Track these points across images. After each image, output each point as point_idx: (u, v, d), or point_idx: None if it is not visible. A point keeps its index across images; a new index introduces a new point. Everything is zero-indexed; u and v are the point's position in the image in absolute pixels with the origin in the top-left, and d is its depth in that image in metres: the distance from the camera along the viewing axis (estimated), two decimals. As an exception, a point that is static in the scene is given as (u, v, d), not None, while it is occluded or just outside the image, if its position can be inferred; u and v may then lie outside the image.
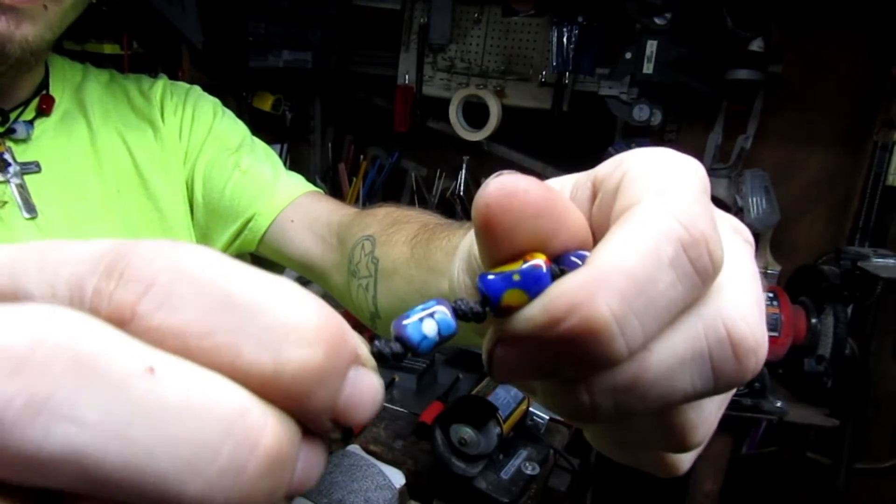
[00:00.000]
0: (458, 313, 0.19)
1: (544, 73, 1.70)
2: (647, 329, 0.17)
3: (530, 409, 1.16)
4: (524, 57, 1.75)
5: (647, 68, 1.47)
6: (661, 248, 0.18)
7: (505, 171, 0.20)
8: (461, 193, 1.84)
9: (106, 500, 0.12)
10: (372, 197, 2.01)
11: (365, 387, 0.15)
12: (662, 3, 1.43)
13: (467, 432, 0.98)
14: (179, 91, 0.68)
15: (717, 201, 1.55)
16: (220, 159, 0.66)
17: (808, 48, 1.51)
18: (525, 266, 0.19)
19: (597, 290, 0.17)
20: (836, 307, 1.31)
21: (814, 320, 1.33)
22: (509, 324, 0.19)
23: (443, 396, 1.22)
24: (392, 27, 1.88)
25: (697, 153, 1.57)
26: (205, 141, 0.67)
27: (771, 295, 1.33)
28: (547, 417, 1.21)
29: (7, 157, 0.56)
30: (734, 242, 0.21)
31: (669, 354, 0.18)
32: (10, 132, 0.56)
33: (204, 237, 0.67)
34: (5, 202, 0.54)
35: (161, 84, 0.68)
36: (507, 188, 0.19)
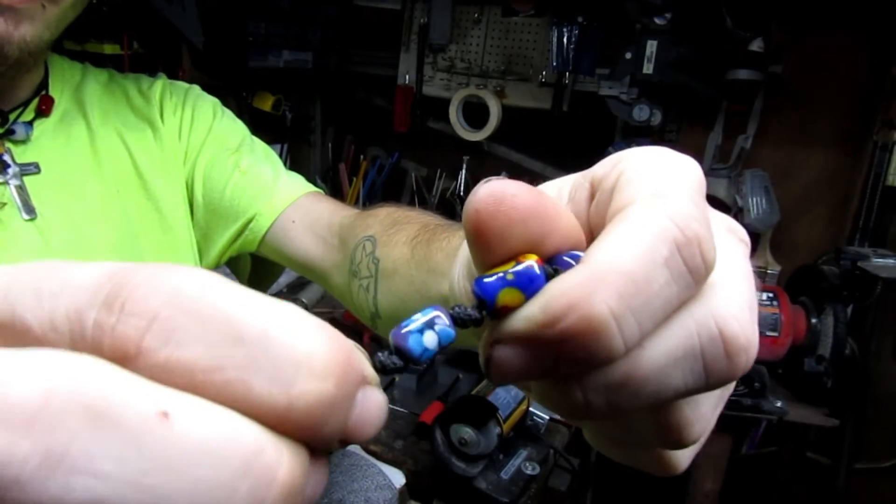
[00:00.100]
0: (457, 321, 0.19)
1: (544, 73, 1.70)
2: (643, 327, 0.18)
3: (530, 409, 1.16)
4: (524, 57, 1.75)
5: (647, 68, 1.47)
6: (657, 247, 0.18)
7: (493, 178, 0.20)
8: (461, 193, 1.85)
9: None
10: (372, 197, 2.01)
11: (372, 406, 0.15)
12: (662, 3, 1.43)
13: (467, 432, 0.98)
14: (178, 91, 0.68)
15: (717, 201, 1.55)
16: (219, 159, 0.66)
17: (808, 48, 1.51)
18: (518, 267, 0.19)
19: (594, 288, 0.17)
20: (836, 307, 1.31)
21: (814, 320, 1.33)
22: (506, 325, 0.19)
23: (443, 396, 1.22)
24: (392, 27, 1.88)
25: (697, 153, 1.57)
26: (204, 141, 0.66)
27: (771, 295, 1.33)
28: (547, 417, 1.21)
29: (6, 158, 0.55)
30: (728, 242, 0.22)
31: (662, 352, 0.18)
32: (10, 133, 0.56)
33: (204, 237, 0.67)
34: (4, 203, 0.54)
35: (160, 84, 0.68)
36: (495, 194, 0.19)
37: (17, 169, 0.56)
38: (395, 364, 0.18)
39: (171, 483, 0.12)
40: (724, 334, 0.19)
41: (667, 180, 0.20)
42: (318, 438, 0.14)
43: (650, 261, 0.18)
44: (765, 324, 1.29)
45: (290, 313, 0.14)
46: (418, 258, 0.47)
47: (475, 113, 1.78)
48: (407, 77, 1.88)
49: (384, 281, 0.51)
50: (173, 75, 0.90)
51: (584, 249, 0.20)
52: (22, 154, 0.57)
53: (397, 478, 0.96)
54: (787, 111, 1.57)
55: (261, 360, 0.13)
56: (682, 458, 0.23)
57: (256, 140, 0.71)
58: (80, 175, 0.60)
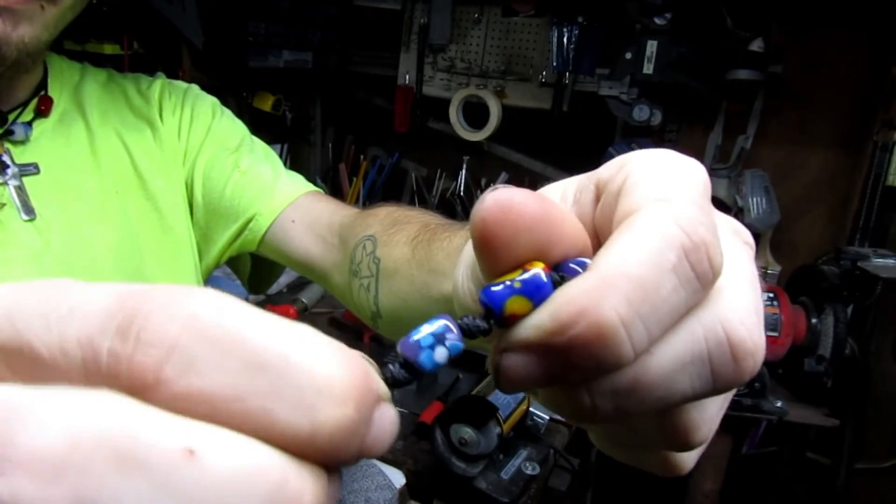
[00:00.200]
0: (465, 332, 0.19)
1: (544, 73, 1.70)
2: (652, 333, 0.18)
3: (530, 409, 1.16)
4: (524, 57, 1.75)
5: (647, 68, 1.47)
6: (664, 254, 0.18)
7: (500, 185, 0.20)
8: (461, 194, 1.84)
9: None
10: (372, 197, 2.01)
11: (387, 423, 0.15)
12: (662, 3, 1.43)
13: (467, 432, 0.98)
14: (178, 90, 0.68)
15: (718, 201, 1.55)
16: (219, 159, 0.66)
17: (808, 48, 1.51)
18: (525, 275, 0.19)
19: (603, 295, 0.17)
20: (836, 307, 1.31)
21: (814, 320, 1.33)
22: (515, 333, 0.19)
23: (443, 396, 1.22)
24: (392, 27, 1.88)
25: (697, 153, 1.57)
26: (204, 141, 0.66)
27: (771, 295, 1.33)
28: (547, 417, 1.21)
29: (5, 158, 0.55)
30: (734, 245, 0.22)
31: (669, 357, 0.18)
32: (9, 134, 0.56)
33: (204, 237, 0.67)
34: (3, 204, 0.54)
35: (159, 83, 0.68)
36: (502, 203, 0.19)
37: (16, 169, 0.56)
38: (405, 377, 0.18)
39: None
40: (732, 339, 0.19)
41: (673, 184, 0.20)
42: (338, 461, 0.14)
43: (658, 267, 0.18)
44: (765, 324, 1.28)
45: (307, 337, 0.14)
46: (419, 258, 0.46)
47: (475, 113, 1.78)
48: (407, 77, 1.88)
49: (385, 281, 0.51)
50: (173, 75, 0.89)
51: (590, 255, 0.20)
52: (21, 154, 0.57)
53: (397, 478, 0.96)
54: (787, 111, 1.57)
55: (282, 387, 0.13)
56: (688, 458, 0.23)
57: (256, 140, 0.71)
58: (80, 175, 0.60)
